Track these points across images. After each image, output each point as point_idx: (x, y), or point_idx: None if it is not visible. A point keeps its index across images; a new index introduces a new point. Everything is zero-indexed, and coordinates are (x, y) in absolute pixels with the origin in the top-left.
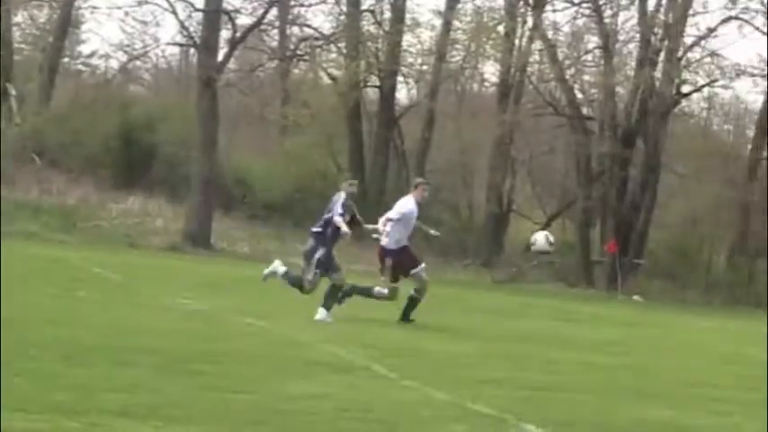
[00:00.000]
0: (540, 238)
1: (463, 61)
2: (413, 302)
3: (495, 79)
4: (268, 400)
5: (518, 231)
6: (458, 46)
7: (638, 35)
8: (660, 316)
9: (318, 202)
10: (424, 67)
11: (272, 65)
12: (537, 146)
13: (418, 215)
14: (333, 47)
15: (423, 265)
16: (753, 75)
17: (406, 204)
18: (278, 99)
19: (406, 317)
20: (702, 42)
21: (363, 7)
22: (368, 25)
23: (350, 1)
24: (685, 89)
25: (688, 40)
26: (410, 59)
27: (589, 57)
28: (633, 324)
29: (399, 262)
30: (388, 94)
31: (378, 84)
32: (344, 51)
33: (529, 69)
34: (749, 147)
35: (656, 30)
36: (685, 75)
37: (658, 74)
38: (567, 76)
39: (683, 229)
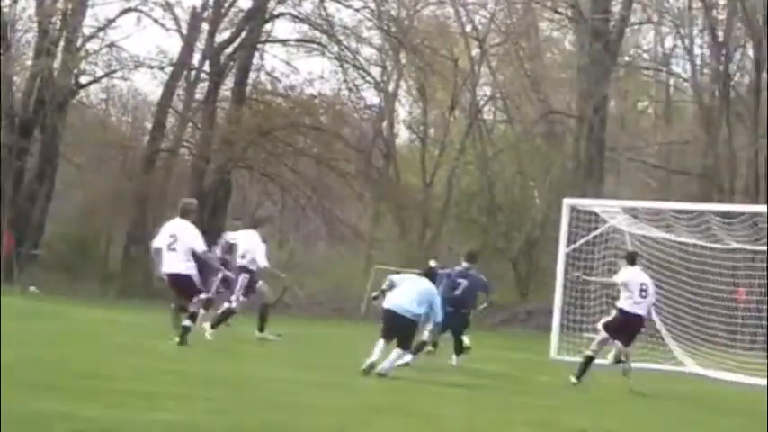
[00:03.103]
0: None
1: None
2: None
3: None
4: None
5: None
6: None
7: (35, 24)
8: (55, 307)
9: None
10: None
11: None
12: None
13: None
14: None
15: None
16: (151, 67)
17: None
18: None
19: None
20: (101, 33)
21: None
22: None
23: None
24: (84, 80)
25: (87, 31)
26: None
27: None
28: (29, 315)
29: None
30: None
31: None
32: None
33: None
34: (147, 138)
35: (54, 19)
36: (84, 65)
37: (56, 64)
38: None
39: (81, 220)
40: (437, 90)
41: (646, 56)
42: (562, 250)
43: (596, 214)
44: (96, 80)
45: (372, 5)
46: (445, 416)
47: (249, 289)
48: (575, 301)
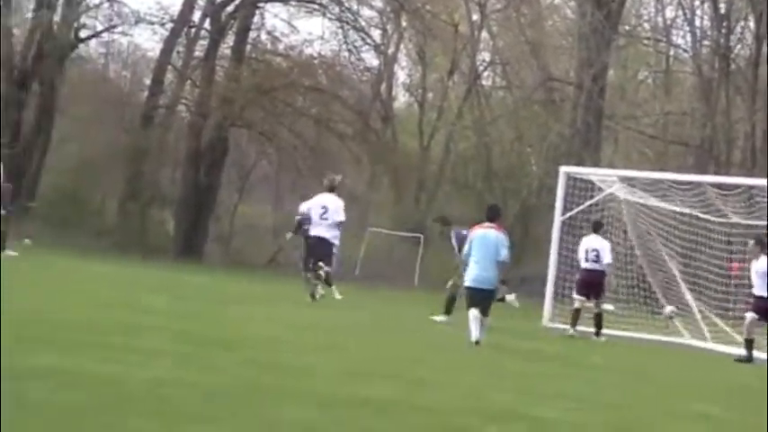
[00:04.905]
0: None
1: None
2: None
3: None
4: None
5: None
6: None
7: None
8: (50, 260)
9: None
10: None
11: None
12: None
13: None
14: None
15: None
16: (152, 23)
17: None
18: None
19: None
20: None
21: None
22: None
23: None
24: (83, 34)
25: None
26: None
27: None
28: (23, 268)
29: None
30: None
31: None
32: None
33: None
34: (145, 94)
35: None
36: (84, 19)
37: (57, 17)
38: None
39: (77, 174)
40: (437, 54)
41: (646, 25)
42: (557, 218)
43: (593, 183)
44: (96, 35)
45: None
46: (428, 380)
47: None
48: (570, 269)
